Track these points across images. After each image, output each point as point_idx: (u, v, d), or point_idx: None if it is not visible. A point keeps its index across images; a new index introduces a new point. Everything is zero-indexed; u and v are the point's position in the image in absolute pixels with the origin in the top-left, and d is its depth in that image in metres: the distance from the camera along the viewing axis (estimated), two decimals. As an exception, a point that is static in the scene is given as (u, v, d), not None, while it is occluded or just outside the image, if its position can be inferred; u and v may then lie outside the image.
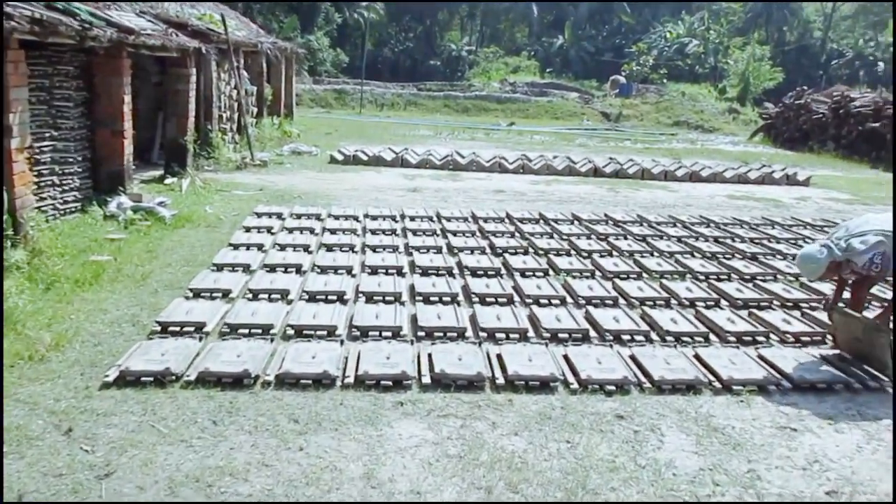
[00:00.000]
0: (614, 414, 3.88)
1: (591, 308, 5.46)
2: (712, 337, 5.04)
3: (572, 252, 7.27)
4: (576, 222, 8.74)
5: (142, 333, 4.67)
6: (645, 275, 6.58)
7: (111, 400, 3.76)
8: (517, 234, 8.05)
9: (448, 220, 8.52)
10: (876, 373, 4.42)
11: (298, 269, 6.20)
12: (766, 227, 8.88)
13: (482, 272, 6.36)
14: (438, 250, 7.05)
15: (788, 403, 4.10)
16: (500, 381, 4.16)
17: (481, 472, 3.26)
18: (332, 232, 7.58)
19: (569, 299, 5.72)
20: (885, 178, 16.26)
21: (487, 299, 5.62)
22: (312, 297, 5.43)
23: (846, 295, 4.87)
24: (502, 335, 4.88)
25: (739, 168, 14.53)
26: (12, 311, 4.63)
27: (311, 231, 7.58)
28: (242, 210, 8.62)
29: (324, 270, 6.17)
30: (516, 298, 5.70)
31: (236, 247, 6.80)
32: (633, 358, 4.52)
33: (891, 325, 4.55)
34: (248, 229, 7.49)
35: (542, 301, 5.64)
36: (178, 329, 4.69)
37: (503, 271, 6.46)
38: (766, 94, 37.36)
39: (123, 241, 6.81)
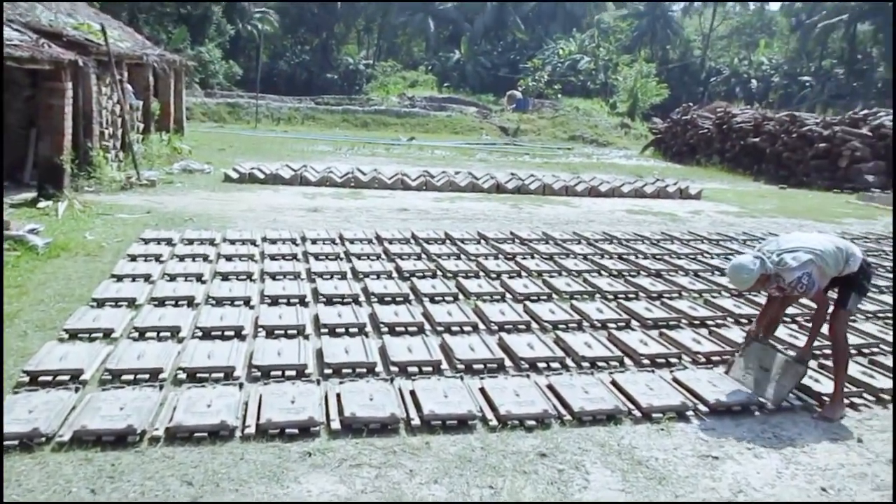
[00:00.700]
0: (537, 452, 3.69)
1: (504, 334, 5.30)
2: (627, 361, 4.98)
3: (481, 273, 7.12)
4: (482, 242, 8.62)
5: (6, 386, 4.09)
6: (555, 296, 6.50)
7: (-35, 472, 3.23)
8: (424, 255, 7.83)
9: (351, 242, 8.20)
10: (761, 398, 4.41)
11: (191, 302, 5.71)
12: (666, 243, 9.07)
13: (390, 299, 6.09)
14: (343, 276, 6.73)
15: (707, 429, 4.06)
16: (416, 421, 3.90)
17: (400, 531, 2.98)
18: (228, 259, 7.09)
19: (481, 325, 5.54)
20: (766, 189, 17.21)
21: (397, 329, 5.35)
22: (207, 334, 4.98)
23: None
24: (415, 369, 4.62)
25: (636, 182, 14.95)
26: None
27: (205, 258, 7.06)
28: (127, 236, 7.96)
29: (219, 302, 5.71)
30: (427, 326, 5.46)
31: (120, 278, 6.21)
32: (550, 388, 4.37)
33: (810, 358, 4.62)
34: (133, 258, 6.89)
35: (454, 328, 5.43)
36: (50, 379, 4.14)
37: (412, 297, 6.21)
38: (653, 110, 39.11)
39: (-13, 276, 6.09)
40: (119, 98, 11.93)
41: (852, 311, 4.67)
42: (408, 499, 3.20)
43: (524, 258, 7.86)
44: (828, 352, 4.87)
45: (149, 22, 31.66)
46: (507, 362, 4.82)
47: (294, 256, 7.38)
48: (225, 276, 6.46)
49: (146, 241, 7.59)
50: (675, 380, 4.59)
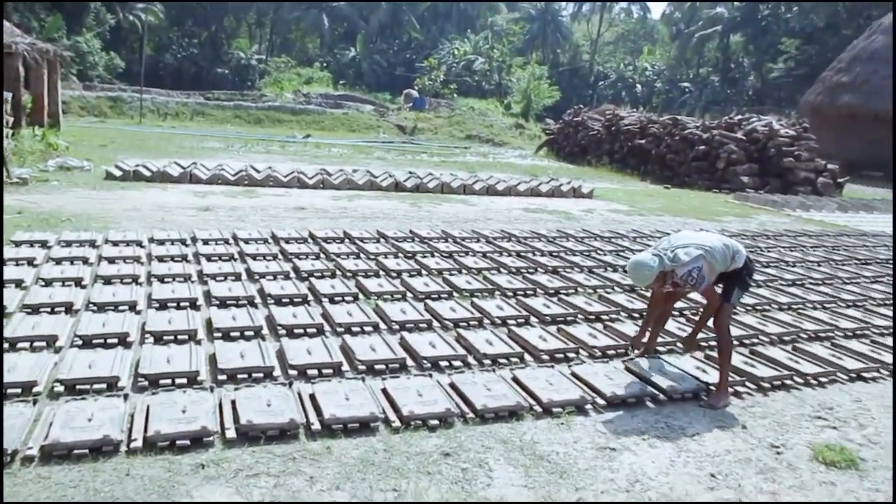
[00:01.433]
0: (440, 452, 3.66)
1: (405, 333, 5.24)
2: (527, 357, 5.04)
3: (381, 273, 7.04)
4: (382, 240, 8.54)
5: None
6: (455, 294, 6.51)
7: None
8: (322, 255, 7.66)
9: (246, 241, 7.91)
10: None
11: (69, 309, 5.30)
12: (561, 240, 9.30)
13: (287, 300, 5.91)
14: (237, 277, 6.46)
15: (605, 422, 4.16)
16: (316, 426, 3.77)
17: (302, 541, 2.87)
18: (111, 261, 6.66)
19: (382, 325, 5.46)
20: (653, 189, 18.03)
21: (295, 331, 5.19)
22: (88, 343, 4.64)
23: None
24: (314, 371, 4.49)
25: (531, 181, 15.28)
26: None
27: (85, 261, 6.60)
28: (-5, 237, 7.33)
29: (101, 308, 5.34)
30: (326, 328, 5.32)
31: (-13, 284, 5.70)
32: (453, 386, 4.36)
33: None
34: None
35: (355, 329, 5.32)
36: None
37: (310, 297, 6.05)
38: (546, 111, 40.25)
39: None
40: (-16, 88, 11.00)
41: (735, 304, 4.92)
42: (309, 507, 3.09)
43: (424, 256, 7.84)
44: (713, 343, 5.13)
45: (18, 9, 29.43)
46: (410, 362, 4.77)
47: (184, 258, 7.03)
48: (108, 280, 6.06)
49: (17, 244, 7.03)
50: (574, 374, 4.68)
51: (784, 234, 11.29)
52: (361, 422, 3.83)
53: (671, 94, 54.91)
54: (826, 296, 7.37)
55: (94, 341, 4.67)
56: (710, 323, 4.70)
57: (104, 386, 4.03)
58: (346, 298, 6.08)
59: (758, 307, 6.76)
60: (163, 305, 5.51)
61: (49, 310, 5.24)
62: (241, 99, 34.31)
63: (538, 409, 4.19)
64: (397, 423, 3.88)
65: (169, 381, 4.16)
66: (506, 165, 21.22)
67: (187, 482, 3.22)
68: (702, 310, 4.86)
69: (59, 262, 6.50)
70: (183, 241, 7.70)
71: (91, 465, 3.29)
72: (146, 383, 4.13)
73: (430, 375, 4.50)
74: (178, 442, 3.49)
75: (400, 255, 7.86)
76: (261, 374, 4.36)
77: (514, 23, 58.43)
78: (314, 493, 3.20)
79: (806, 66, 42.60)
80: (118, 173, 12.39)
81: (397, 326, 5.45)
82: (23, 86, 14.55)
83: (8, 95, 13.08)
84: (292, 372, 4.46)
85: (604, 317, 6.08)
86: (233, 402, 3.90)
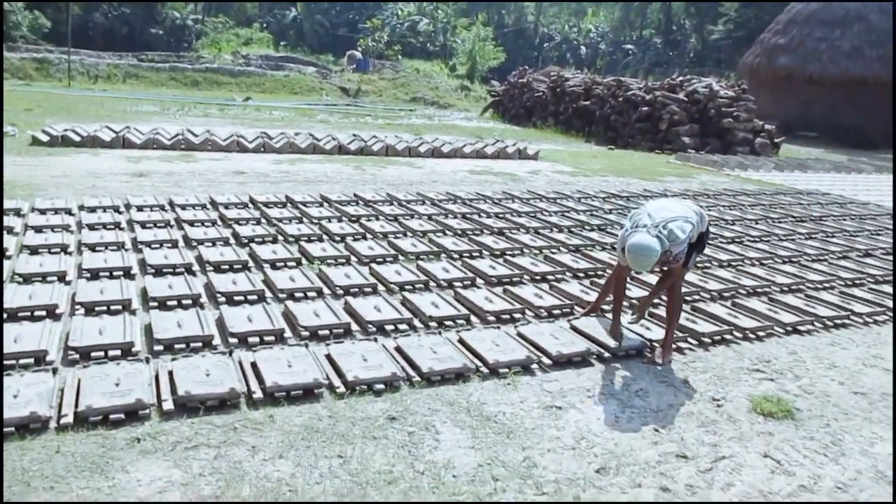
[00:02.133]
0: (386, 416, 3.61)
1: (349, 298, 5.15)
2: (473, 318, 5.02)
3: (325, 237, 6.90)
4: (325, 204, 8.36)
5: None
6: (401, 257, 6.43)
7: None
8: (263, 220, 7.46)
9: (183, 208, 7.64)
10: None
11: (-8, 280, 5.04)
12: (507, 202, 9.28)
13: (227, 266, 5.73)
14: (174, 244, 6.24)
15: (551, 381, 4.17)
16: (258, 394, 3.68)
17: (244, 512, 2.79)
18: (38, 230, 6.35)
19: (325, 290, 5.35)
20: (597, 150, 18.15)
21: (235, 298, 5.04)
22: (13, 316, 4.41)
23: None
24: (256, 339, 4.37)
25: (477, 143, 15.19)
26: None
27: (10, 230, 6.27)
28: (-90, 207, 6.89)
29: (27, 279, 5.08)
30: (268, 294, 5.19)
31: None
32: (399, 350, 4.31)
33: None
34: (-82, 232, 5.98)
35: (297, 295, 5.20)
36: None
37: (251, 264, 5.89)
38: (491, 73, 40.01)
39: None
40: None
41: (691, 268, 4.96)
42: (251, 477, 3.01)
43: (369, 220, 7.71)
44: (656, 301, 5.20)
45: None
46: (354, 326, 4.70)
47: (117, 225, 6.74)
48: (34, 250, 5.77)
49: (-66, 213, 6.62)
50: (520, 335, 4.68)
51: (724, 193, 11.52)
52: (305, 388, 3.74)
53: (615, 56, 55.26)
54: (763, 252, 7.55)
55: (20, 314, 4.44)
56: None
57: (31, 360, 3.84)
58: (289, 264, 5.94)
59: (699, 264, 6.88)
60: (94, 275, 5.27)
61: (-30, 282, 4.97)
62: (176, 61, 33.01)
63: (484, 370, 4.18)
64: (342, 389, 3.82)
65: (101, 353, 3.99)
66: (451, 128, 21.04)
67: (122, 457, 3.10)
68: (660, 276, 4.83)
69: (-20, 231, 6.15)
70: (116, 209, 7.39)
71: (18, 443, 3.13)
72: (77, 356, 3.96)
73: (376, 340, 4.43)
74: (111, 416, 3.35)
75: (344, 218, 7.71)
76: (199, 344, 4.23)
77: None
78: (256, 463, 3.12)
79: (745, 28, 43.29)
80: (45, 138, 11.80)
81: (341, 291, 5.35)
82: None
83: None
84: (233, 340, 4.33)
85: (549, 277, 6.10)
86: (170, 374, 3.77)
